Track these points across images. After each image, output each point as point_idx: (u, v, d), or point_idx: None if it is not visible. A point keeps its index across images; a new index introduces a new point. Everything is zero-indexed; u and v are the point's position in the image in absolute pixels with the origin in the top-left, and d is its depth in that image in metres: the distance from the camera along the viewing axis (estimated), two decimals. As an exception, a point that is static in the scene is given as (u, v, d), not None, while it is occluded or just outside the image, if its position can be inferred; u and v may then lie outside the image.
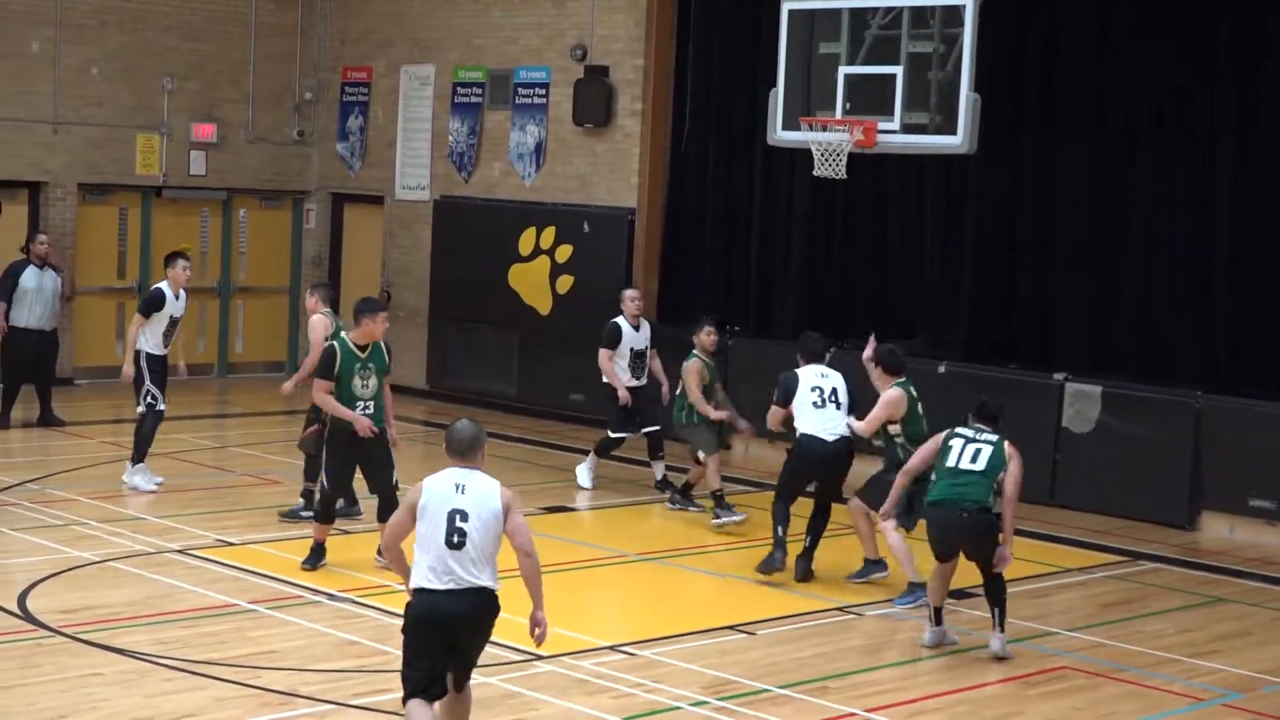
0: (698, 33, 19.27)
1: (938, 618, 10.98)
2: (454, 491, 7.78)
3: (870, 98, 14.86)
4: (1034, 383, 16.06)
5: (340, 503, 12.67)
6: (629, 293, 15.69)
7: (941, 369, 16.31)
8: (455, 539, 7.70)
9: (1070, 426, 15.91)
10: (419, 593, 7.78)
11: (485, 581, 7.74)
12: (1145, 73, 16.17)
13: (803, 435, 12.53)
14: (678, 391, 14.59)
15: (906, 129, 14.77)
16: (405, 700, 7.84)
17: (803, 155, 15.69)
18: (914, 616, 11.60)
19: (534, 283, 20.09)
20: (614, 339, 15.39)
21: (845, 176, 15.17)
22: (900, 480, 11.43)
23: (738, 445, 17.37)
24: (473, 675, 8.21)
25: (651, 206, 19.52)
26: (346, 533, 13.15)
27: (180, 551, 12.57)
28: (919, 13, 14.74)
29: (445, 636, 7.78)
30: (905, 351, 12.69)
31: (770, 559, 12.49)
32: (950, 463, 10.73)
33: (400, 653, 7.99)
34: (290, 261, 22.95)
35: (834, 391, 12.53)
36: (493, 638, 8.01)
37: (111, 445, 16.64)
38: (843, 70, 15.08)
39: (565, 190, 20.04)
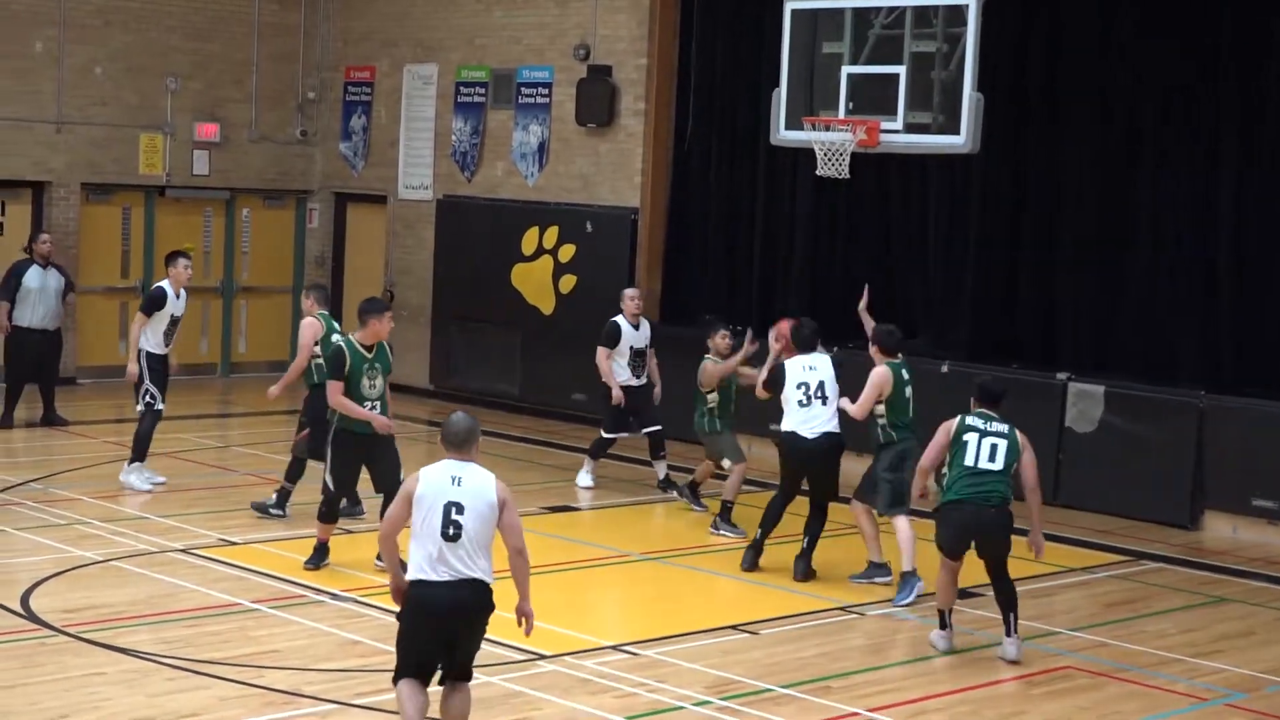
0: (700, 32, 19.27)
1: (944, 620, 10.89)
2: (450, 484, 7.89)
3: (873, 97, 14.87)
4: (1037, 382, 16.04)
5: (343, 502, 12.67)
6: (629, 291, 15.70)
7: (944, 369, 16.29)
8: (451, 531, 7.81)
9: (1073, 426, 15.90)
10: (416, 584, 7.88)
11: (480, 574, 7.85)
12: (1148, 72, 16.16)
13: (785, 433, 12.54)
14: (706, 400, 14.27)
15: (909, 128, 14.78)
16: (395, 680, 8.00)
17: (806, 155, 15.70)
18: (914, 616, 11.60)
19: (537, 282, 20.08)
20: (613, 338, 15.40)
21: (848, 176, 15.17)
22: (918, 479, 11.21)
23: (741, 444, 17.28)
24: (475, 675, 8.24)
25: (654, 206, 19.51)
26: (350, 532, 13.15)
27: (183, 551, 12.58)
28: (922, 12, 14.76)
29: (440, 627, 7.90)
30: (908, 350, 12.70)
31: (743, 557, 12.81)
32: (969, 461, 10.60)
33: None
34: (293, 261, 22.95)
35: (820, 385, 12.45)
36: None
37: (115, 445, 16.62)
38: (846, 70, 15.10)
39: (568, 190, 20.03)
